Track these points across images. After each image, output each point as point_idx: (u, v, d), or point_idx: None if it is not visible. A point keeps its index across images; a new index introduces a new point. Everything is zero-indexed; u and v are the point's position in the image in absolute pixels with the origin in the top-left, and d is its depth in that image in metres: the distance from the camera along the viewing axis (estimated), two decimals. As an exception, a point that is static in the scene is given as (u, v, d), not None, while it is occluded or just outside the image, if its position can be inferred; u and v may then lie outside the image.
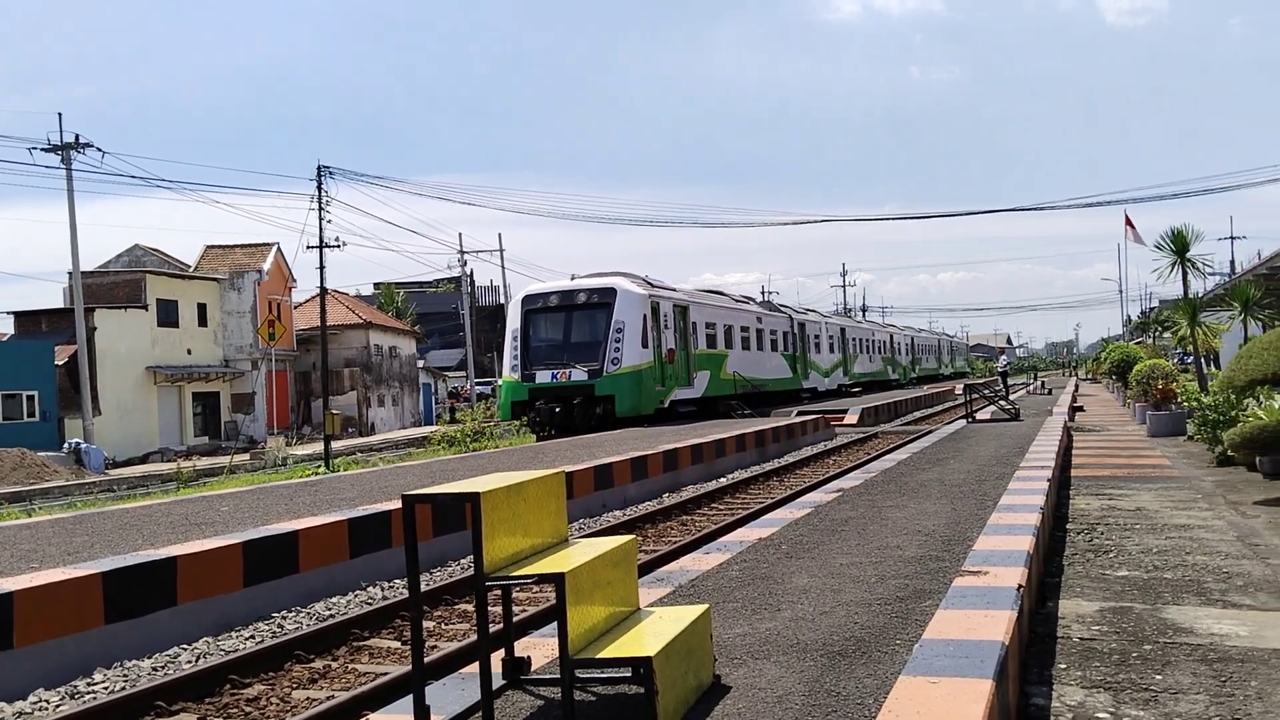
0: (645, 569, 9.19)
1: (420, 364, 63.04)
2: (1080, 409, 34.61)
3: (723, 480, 18.93)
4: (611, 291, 28.07)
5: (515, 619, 7.44)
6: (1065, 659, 6.06)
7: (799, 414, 31.37)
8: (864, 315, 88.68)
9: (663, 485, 17.68)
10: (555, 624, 4.29)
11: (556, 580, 4.04)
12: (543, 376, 27.44)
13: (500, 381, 30.69)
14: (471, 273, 62.94)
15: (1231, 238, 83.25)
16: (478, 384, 63.09)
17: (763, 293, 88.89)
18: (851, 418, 33.07)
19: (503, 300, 63.72)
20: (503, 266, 60.45)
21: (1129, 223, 42.98)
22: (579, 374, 27.25)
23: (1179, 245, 23.83)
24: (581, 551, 4.51)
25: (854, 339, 54.75)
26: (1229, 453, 14.98)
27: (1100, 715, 5.11)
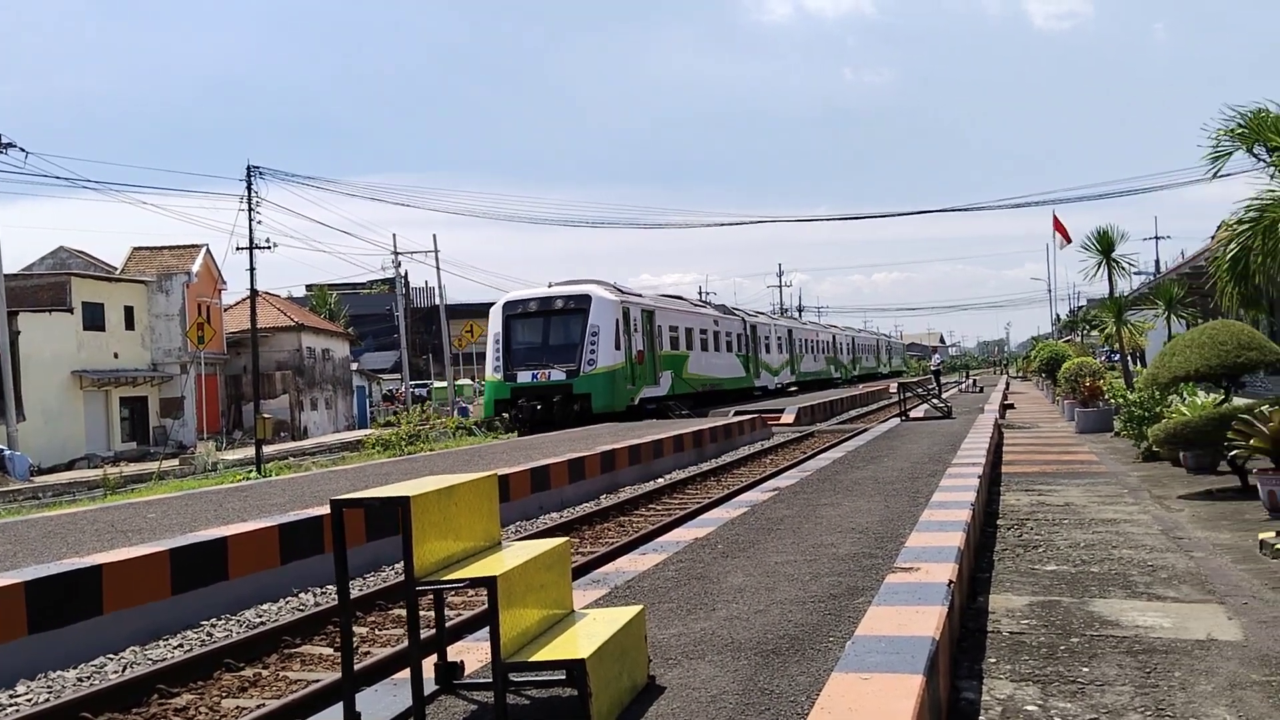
0: (581, 571, 9.17)
1: (354, 366, 62.34)
2: (1011, 406, 35.20)
3: (660, 481, 18.95)
4: (586, 298, 30.03)
5: (449, 623, 7.38)
6: (995, 653, 6.14)
7: (736, 414, 31.53)
8: (800, 315, 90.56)
9: (600, 486, 17.65)
10: (488, 628, 4.26)
11: (488, 584, 4.01)
12: (524, 376, 29.32)
13: (484, 381, 32.90)
14: (406, 274, 62.34)
15: (1156, 238, 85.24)
16: (413, 386, 62.55)
17: (700, 293, 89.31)
18: (788, 417, 33.30)
19: (438, 302, 63.24)
20: (438, 268, 59.94)
21: (1057, 223, 43.80)
22: (557, 374, 29.09)
23: (1105, 245, 24.32)
24: (514, 555, 4.48)
25: (800, 340, 57.17)
26: (1154, 448, 15.32)
27: (1029, 708, 5.19)
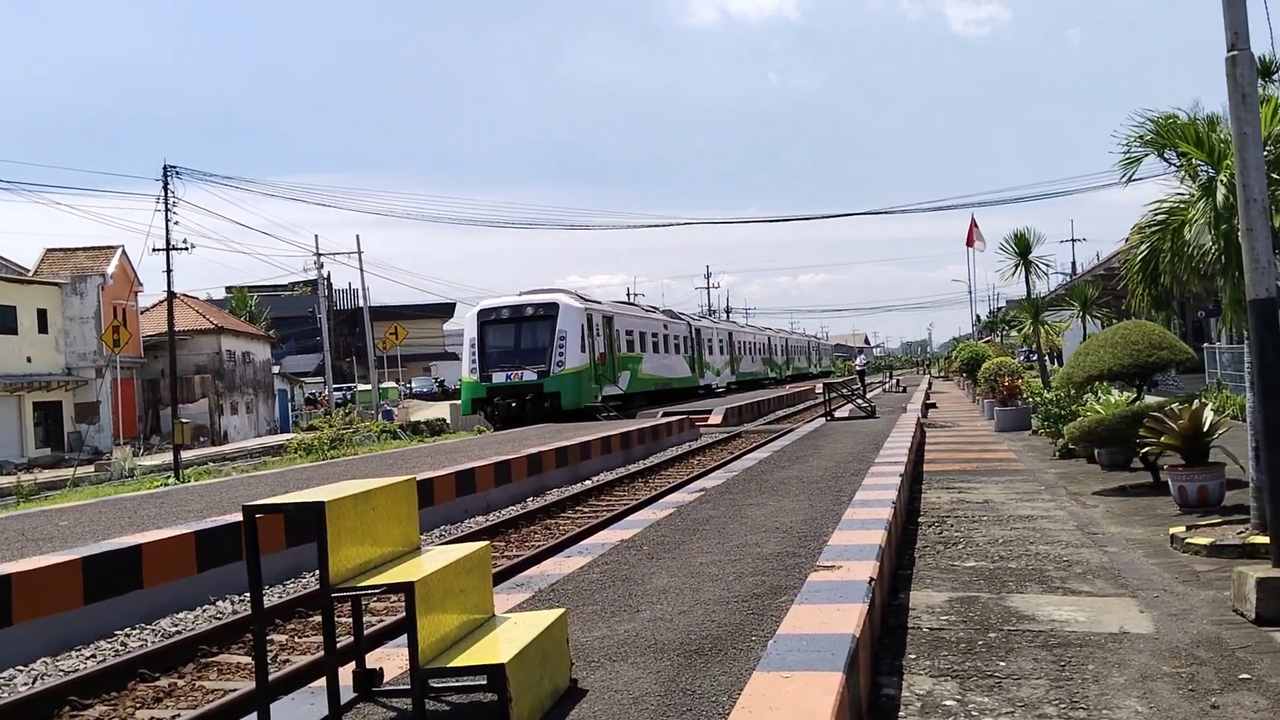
0: (505, 574, 9.11)
1: (276, 370, 61.33)
2: (933, 406, 35.77)
3: (588, 483, 18.91)
4: (554, 305, 32.31)
5: (369, 630, 7.29)
6: (915, 649, 6.22)
7: (664, 415, 31.62)
8: (728, 316, 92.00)
9: (527, 489, 17.57)
10: (407, 634, 4.20)
11: (406, 589, 3.96)
12: (498, 377, 31.55)
13: (460, 382, 35.66)
14: (329, 276, 61.31)
15: (1072, 240, 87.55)
16: (336, 389, 61.71)
17: (628, 294, 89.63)
18: (716, 418, 33.46)
19: (362, 304, 62.44)
20: (361, 269, 59.05)
21: (972, 226, 44.69)
22: (529, 374, 31.37)
23: (1022, 248, 24.85)
24: (434, 559, 4.43)
25: (739, 342, 60.45)
26: (1070, 446, 15.66)
27: (947, 703, 5.26)
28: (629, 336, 38.32)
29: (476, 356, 32.26)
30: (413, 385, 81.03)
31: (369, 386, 59.41)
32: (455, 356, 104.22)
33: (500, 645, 4.21)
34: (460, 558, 4.45)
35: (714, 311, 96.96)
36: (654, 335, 42.07)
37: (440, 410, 51.42)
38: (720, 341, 55.10)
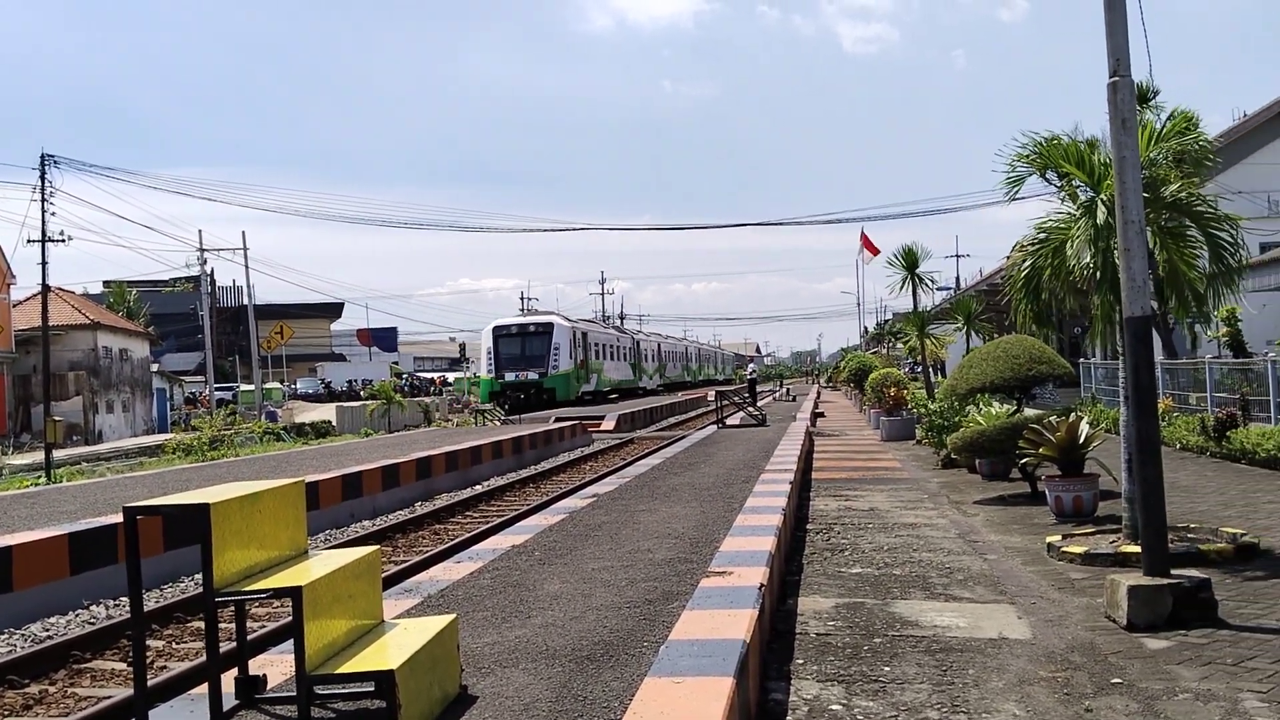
0: (394, 580, 8.96)
1: (155, 368, 59.33)
2: (821, 415, 36.35)
3: (479, 487, 18.75)
4: (551, 324, 44.75)
5: (253, 635, 7.10)
6: (803, 654, 6.30)
7: (556, 420, 31.58)
8: (622, 323, 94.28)
9: (416, 494, 17.34)
10: (293, 639, 4.10)
11: (293, 594, 3.86)
12: (509, 376, 43.34)
13: (479, 379, 47.88)
14: (212, 272, 59.62)
15: (957, 256, 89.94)
16: (217, 389, 60.01)
17: (522, 299, 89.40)
18: (609, 424, 33.51)
19: (247, 301, 60.85)
20: (246, 266, 57.42)
21: (864, 238, 45.63)
22: (532, 375, 43.19)
23: (910, 262, 25.46)
24: (322, 564, 4.33)
25: (666, 351, 73.50)
26: (952, 456, 16.07)
27: (834, 707, 5.34)
28: (596, 348, 50.08)
29: (492, 361, 44.06)
30: (298, 386, 79.32)
31: (252, 387, 57.92)
32: (342, 357, 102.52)
33: (390, 651, 4.13)
34: (350, 562, 4.36)
35: (608, 318, 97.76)
36: (610, 347, 53.99)
37: (326, 412, 50.36)
38: (652, 351, 67.45)
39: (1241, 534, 9.00)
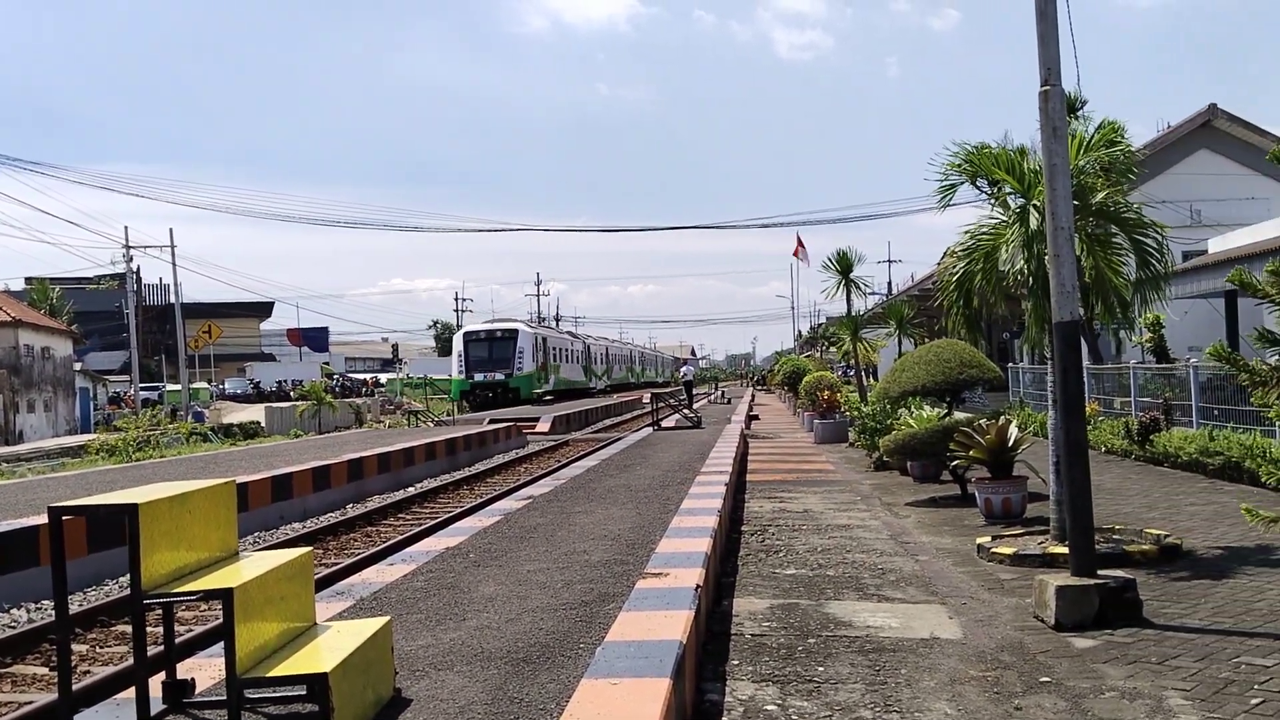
0: (326, 582, 8.83)
1: (78, 367, 57.92)
2: (756, 418, 36.59)
3: (411, 489, 18.57)
4: (516, 331, 49.80)
5: (183, 639, 6.95)
6: (739, 655, 6.33)
7: (490, 422, 31.40)
8: (558, 325, 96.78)
9: (347, 496, 17.12)
10: (223, 643, 4.02)
11: (224, 595, 3.78)
12: (478, 376, 48.01)
13: (451, 380, 51.33)
14: (138, 270, 58.49)
15: (889, 261, 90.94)
16: (143, 389, 58.79)
17: (457, 299, 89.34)
18: (544, 425, 33.39)
19: (174, 300, 59.64)
20: (174, 264, 56.23)
21: (800, 243, 46.09)
22: (499, 375, 47.88)
23: (844, 266, 25.70)
24: (253, 566, 4.25)
25: (614, 354, 79.02)
26: (885, 458, 16.25)
27: (769, 707, 5.36)
28: (554, 351, 55.27)
29: (463, 363, 48.56)
30: (226, 386, 77.99)
31: (179, 386, 56.82)
32: (272, 357, 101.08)
33: (322, 654, 4.07)
34: (282, 564, 4.28)
35: (544, 319, 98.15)
36: (566, 351, 59.36)
37: (255, 413, 49.55)
38: (601, 354, 72.76)
39: (1165, 535, 9.22)
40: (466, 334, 51.30)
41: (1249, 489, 12.20)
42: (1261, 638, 6.28)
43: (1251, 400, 5.96)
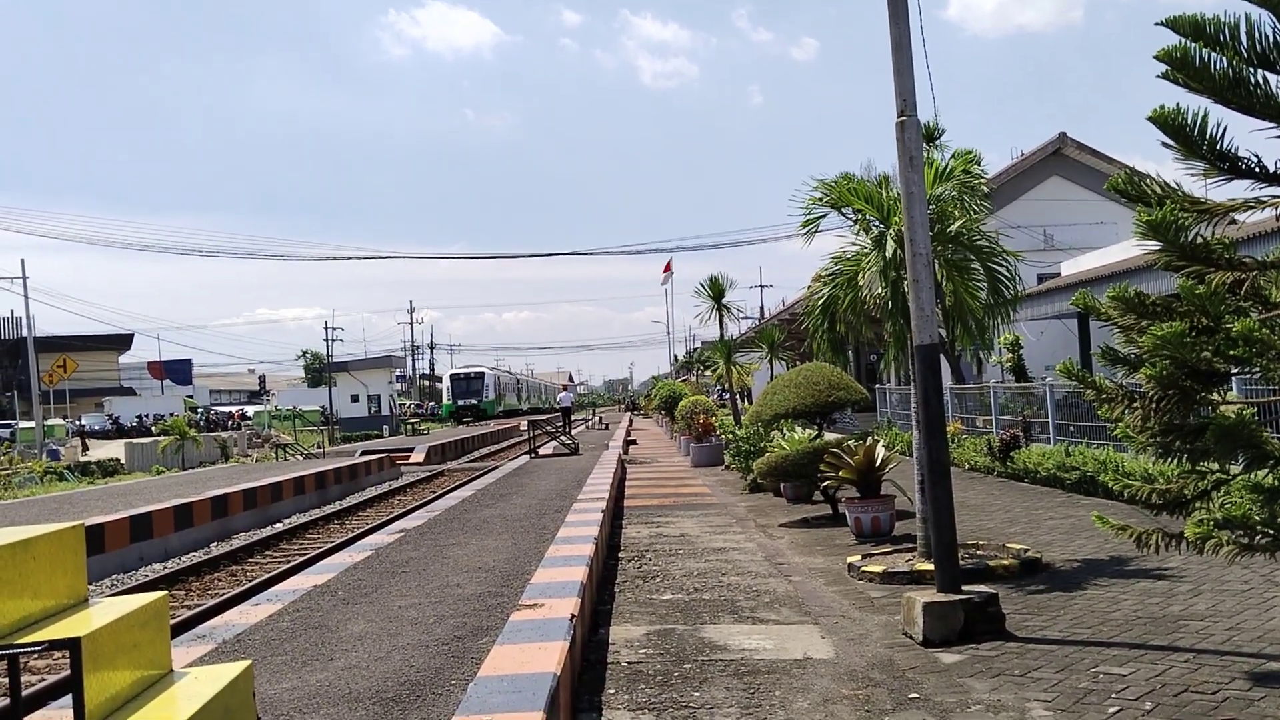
0: (185, 625, 8.52)
1: (-78, 405, 54.87)
2: (634, 443, 36.70)
3: (279, 525, 18.06)
4: (483, 372, 78.44)
5: (29, 691, 6.59)
6: (614, 683, 6.30)
7: (362, 454, 30.81)
8: (432, 353, 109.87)
9: (211, 534, 16.56)
10: (72, 695, 3.82)
11: (71, 645, 3.59)
12: (460, 402, 74.78)
13: (442, 405, 79.80)
14: (-11, 302, 55.61)
15: (760, 286, 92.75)
16: (-6, 426, 55.97)
17: (327, 328, 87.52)
18: (418, 456, 32.92)
19: (26, 333, 57.04)
20: (25, 295, 53.79)
21: (668, 266, 46.67)
22: (473, 401, 74.56)
23: (716, 292, 26.09)
24: (103, 612, 4.05)
25: (530, 385, 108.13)
26: (759, 480, 16.46)
27: (645, 736, 5.34)
28: (503, 385, 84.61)
29: (451, 393, 76.66)
30: (83, 422, 74.79)
31: (32, 424, 54.25)
32: (132, 391, 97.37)
33: (179, 703, 3.90)
34: (134, 610, 4.10)
35: (417, 348, 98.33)
36: (508, 384, 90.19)
37: (115, 450, 47.61)
38: (525, 385, 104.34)
39: (1026, 550, 9.54)
40: (452, 374, 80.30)
41: (1104, 502, 12.69)
42: (1118, 647, 6.53)
43: (1099, 416, 6.22)
